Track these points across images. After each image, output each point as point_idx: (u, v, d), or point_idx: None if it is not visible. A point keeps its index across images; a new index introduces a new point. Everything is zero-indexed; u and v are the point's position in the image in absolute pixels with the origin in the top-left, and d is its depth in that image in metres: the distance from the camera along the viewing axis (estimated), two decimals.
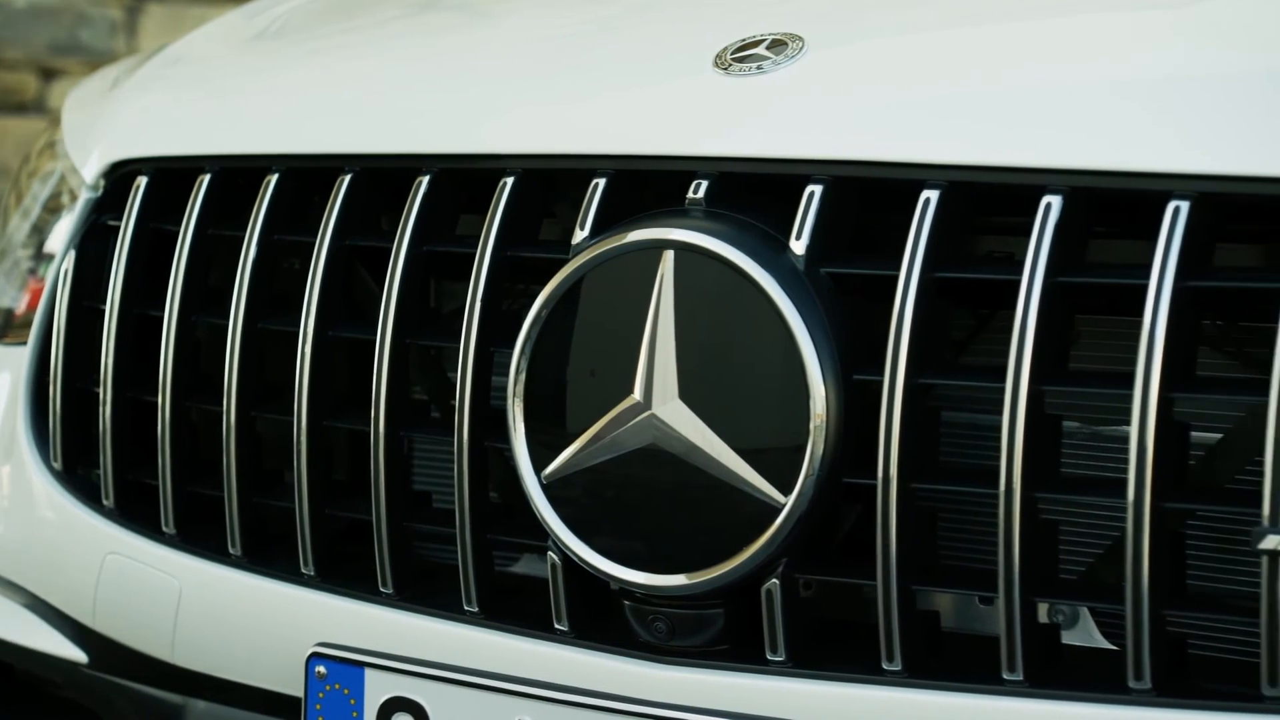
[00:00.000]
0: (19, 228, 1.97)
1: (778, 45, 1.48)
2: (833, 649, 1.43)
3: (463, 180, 1.60)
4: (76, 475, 1.80)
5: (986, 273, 1.40)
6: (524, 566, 1.65)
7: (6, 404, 1.83)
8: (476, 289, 1.51)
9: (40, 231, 1.92)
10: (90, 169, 1.84)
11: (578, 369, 1.46)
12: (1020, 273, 1.33)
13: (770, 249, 1.40)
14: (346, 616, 1.59)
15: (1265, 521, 1.25)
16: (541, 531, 1.47)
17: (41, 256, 1.90)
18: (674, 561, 1.42)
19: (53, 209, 1.91)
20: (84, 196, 1.83)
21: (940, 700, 1.36)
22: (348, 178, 1.62)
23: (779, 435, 1.38)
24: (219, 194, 1.71)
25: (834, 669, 1.40)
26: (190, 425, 1.71)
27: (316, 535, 1.62)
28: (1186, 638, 1.38)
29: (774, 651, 1.41)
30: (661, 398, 1.41)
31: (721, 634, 1.44)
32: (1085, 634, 1.45)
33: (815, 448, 1.37)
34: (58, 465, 1.80)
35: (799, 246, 1.40)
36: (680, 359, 1.40)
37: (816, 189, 1.41)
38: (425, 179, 1.58)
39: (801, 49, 1.47)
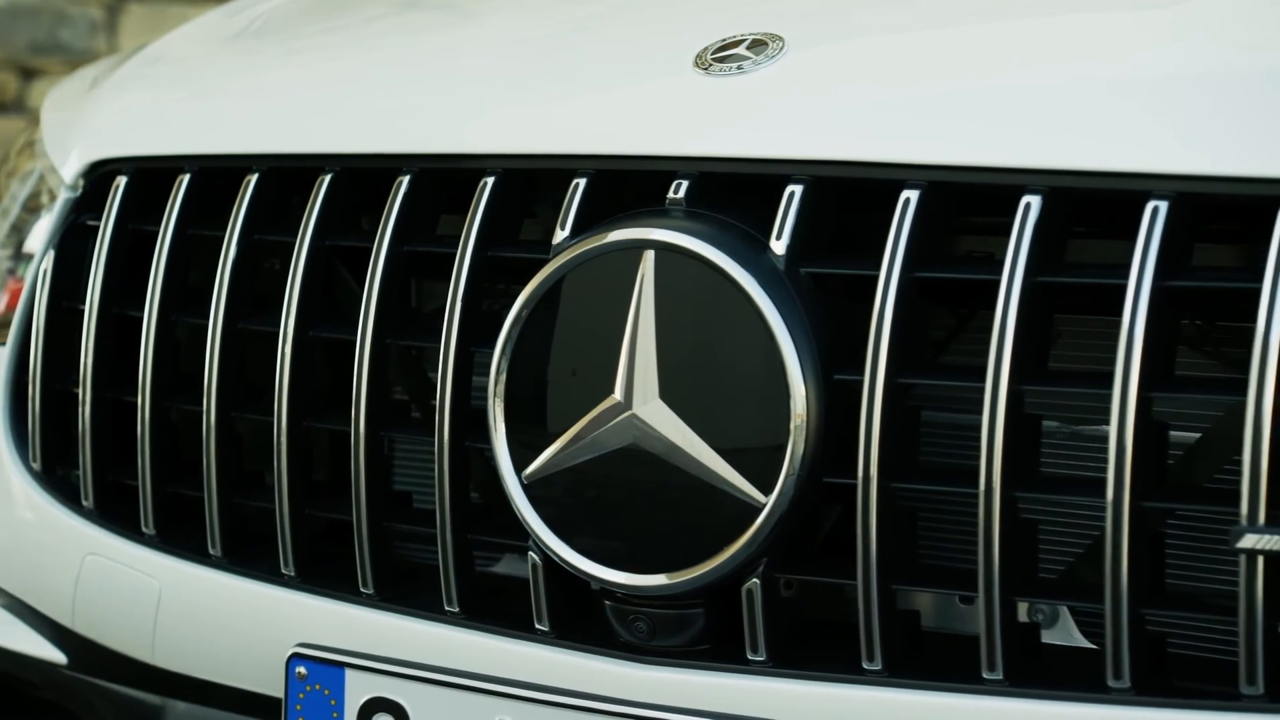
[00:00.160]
0: None
1: (758, 45, 1.48)
2: (813, 649, 1.43)
3: (443, 180, 1.60)
4: (56, 476, 1.80)
5: (966, 273, 1.40)
6: (505, 567, 1.65)
7: None
8: (457, 289, 1.51)
9: (19, 231, 1.91)
10: (69, 169, 1.83)
11: (558, 369, 1.46)
12: (1000, 272, 1.34)
13: (750, 249, 1.40)
14: (327, 617, 1.59)
15: (1243, 520, 1.26)
16: (522, 531, 1.47)
17: (20, 256, 1.89)
18: (655, 561, 1.42)
19: (32, 209, 1.91)
20: (63, 196, 1.83)
21: (920, 700, 1.36)
22: (328, 178, 1.62)
23: (759, 435, 1.38)
24: (199, 194, 1.71)
25: (814, 669, 1.40)
26: (170, 426, 1.71)
27: (297, 536, 1.61)
28: (1166, 637, 1.38)
29: (755, 651, 1.41)
30: (642, 398, 1.41)
31: (702, 634, 1.44)
32: (1065, 633, 1.45)
33: (796, 447, 1.37)
34: (37, 466, 1.79)
35: (779, 246, 1.40)
36: (661, 359, 1.40)
37: (797, 189, 1.41)
38: (405, 179, 1.58)
39: (782, 49, 1.48)
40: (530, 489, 1.46)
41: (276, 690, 1.57)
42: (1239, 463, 1.26)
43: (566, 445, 1.44)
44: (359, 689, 1.52)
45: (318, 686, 1.54)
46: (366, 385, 1.55)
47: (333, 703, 1.53)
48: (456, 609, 1.53)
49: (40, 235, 1.85)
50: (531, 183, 1.57)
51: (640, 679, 1.44)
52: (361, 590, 1.58)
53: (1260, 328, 1.26)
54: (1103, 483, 1.30)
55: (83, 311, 1.74)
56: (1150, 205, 1.31)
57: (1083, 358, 1.45)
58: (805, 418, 1.37)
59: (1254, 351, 1.26)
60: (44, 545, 1.78)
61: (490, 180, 1.53)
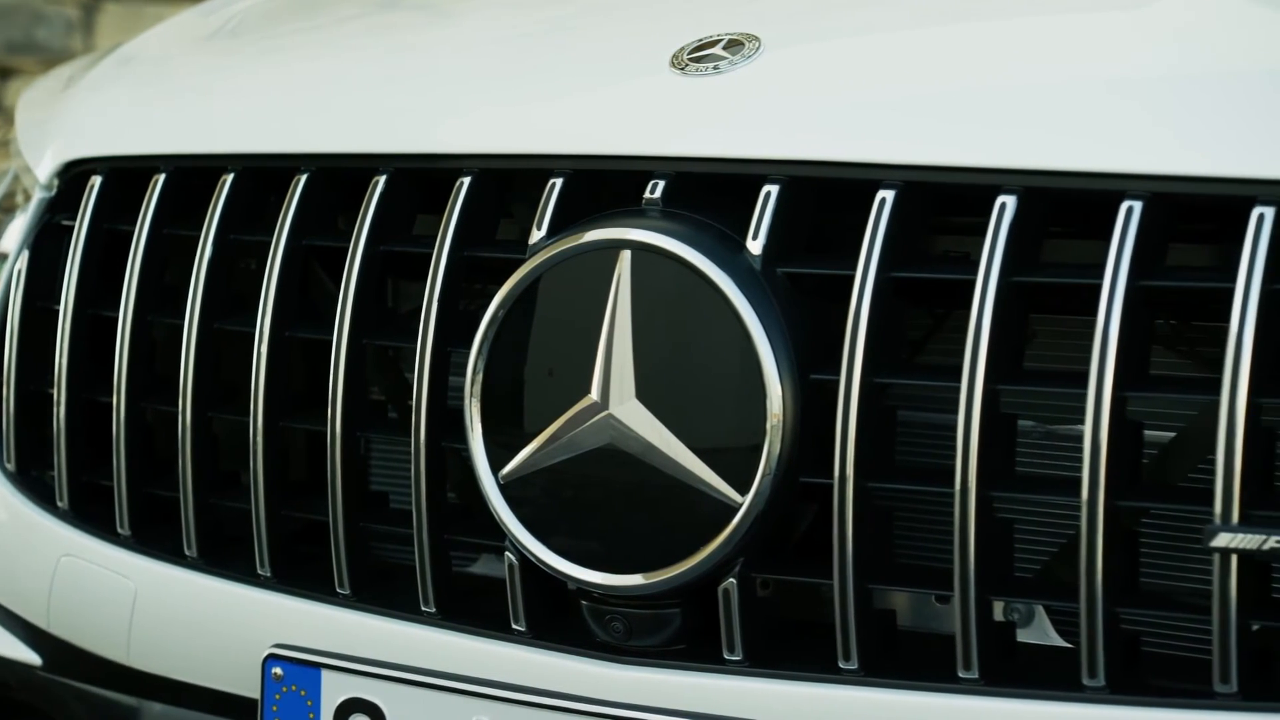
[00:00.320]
0: None
1: (734, 45, 1.49)
2: (790, 648, 1.43)
3: (420, 180, 1.59)
4: (30, 477, 1.79)
5: (942, 272, 1.40)
6: (482, 567, 1.65)
7: None
8: (433, 289, 1.51)
9: None
10: (44, 168, 1.83)
11: (535, 369, 1.45)
12: (975, 272, 1.34)
13: (727, 249, 1.40)
14: (303, 617, 1.59)
15: (1217, 519, 1.26)
16: (499, 532, 1.47)
17: None
18: (631, 561, 1.42)
19: (6, 208, 1.90)
20: (38, 196, 1.82)
21: (896, 699, 1.36)
22: (304, 177, 1.62)
23: (736, 435, 1.38)
24: (174, 194, 1.71)
25: (791, 668, 1.40)
26: (145, 426, 1.71)
27: (273, 536, 1.61)
28: (1140, 635, 1.39)
29: (731, 651, 1.41)
30: (619, 397, 1.41)
31: (679, 634, 1.44)
32: (1040, 632, 1.45)
33: (772, 447, 1.37)
34: (11, 466, 1.78)
35: (755, 246, 1.40)
36: (637, 359, 1.40)
37: (773, 189, 1.41)
38: (382, 179, 1.57)
39: (758, 49, 1.48)
40: (507, 489, 1.46)
41: (253, 691, 1.57)
42: (1213, 462, 1.27)
43: (543, 445, 1.44)
44: (335, 689, 1.52)
45: (294, 687, 1.54)
46: (343, 385, 1.55)
47: (309, 703, 1.53)
48: (433, 609, 1.53)
49: (15, 235, 1.84)
50: (508, 183, 1.57)
51: (617, 679, 1.44)
52: (338, 591, 1.58)
53: (1234, 327, 1.26)
54: (1078, 482, 1.30)
55: (57, 311, 1.73)
56: (1125, 205, 1.31)
57: (1058, 357, 1.45)
58: (781, 418, 1.37)
59: (1227, 351, 1.26)
60: (19, 546, 1.77)
61: (467, 180, 1.53)
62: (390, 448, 1.73)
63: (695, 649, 1.44)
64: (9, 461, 1.78)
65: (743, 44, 1.49)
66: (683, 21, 1.56)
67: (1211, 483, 1.27)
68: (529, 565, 1.47)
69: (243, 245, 1.67)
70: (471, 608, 1.54)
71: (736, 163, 1.44)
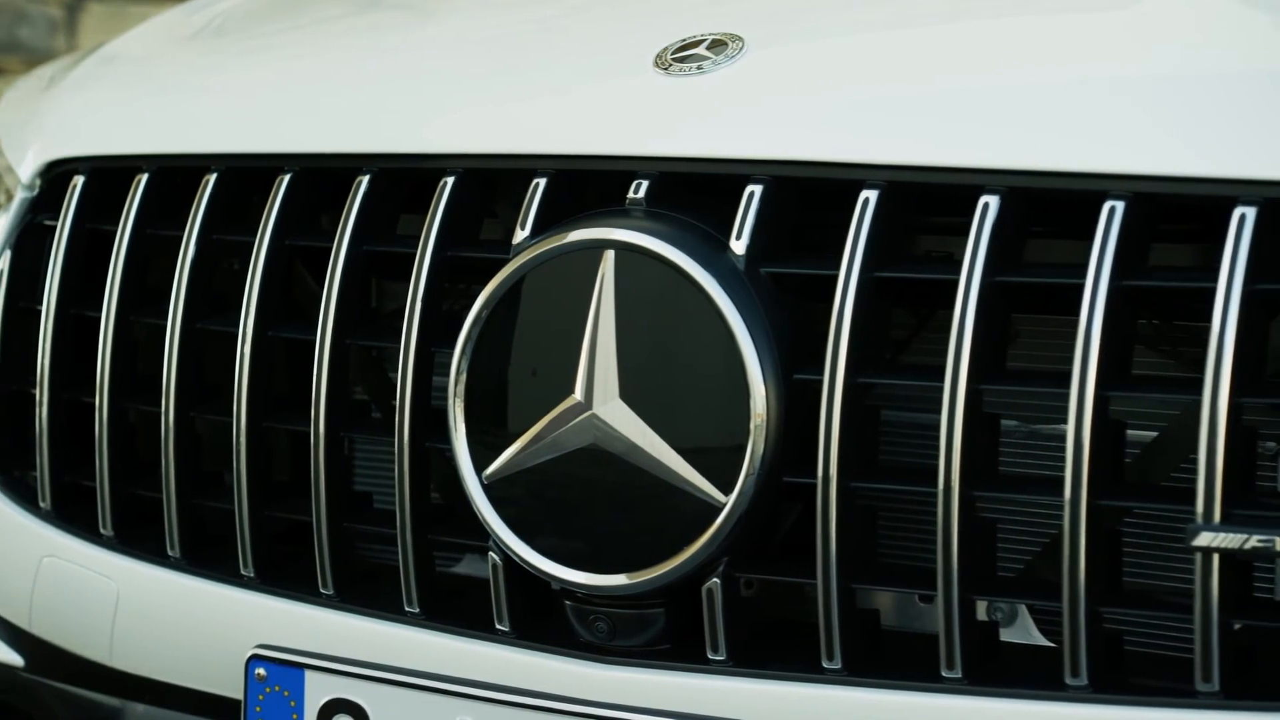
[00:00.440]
0: None
1: (718, 45, 1.49)
2: (773, 648, 1.44)
3: (403, 180, 1.59)
4: (13, 477, 1.79)
5: (925, 272, 1.40)
6: (466, 567, 1.65)
7: None
8: (417, 289, 1.51)
9: None
10: (26, 168, 1.82)
11: (519, 369, 1.45)
12: (959, 272, 1.34)
13: (710, 249, 1.41)
14: (287, 618, 1.58)
15: (1199, 519, 1.27)
16: (483, 532, 1.47)
17: None
18: (615, 561, 1.42)
19: None
20: (20, 196, 1.82)
21: (880, 698, 1.36)
22: (287, 177, 1.62)
23: (719, 435, 1.38)
24: (157, 194, 1.70)
25: (775, 668, 1.40)
26: (128, 426, 1.70)
27: (256, 536, 1.61)
28: (1123, 634, 1.39)
29: (715, 651, 1.41)
30: (602, 397, 1.41)
31: (663, 633, 1.44)
32: (1023, 631, 1.46)
33: (756, 447, 1.37)
34: None
35: (739, 246, 1.40)
36: (621, 359, 1.40)
37: (756, 189, 1.41)
38: (365, 178, 1.57)
39: (741, 49, 1.48)
40: (490, 489, 1.46)
41: (236, 692, 1.56)
42: (1195, 461, 1.27)
43: (527, 445, 1.44)
44: (319, 690, 1.52)
45: (277, 688, 1.53)
46: (326, 385, 1.55)
47: (292, 704, 1.53)
48: (417, 609, 1.53)
49: None
50: (492, 183, 1.57)
51: (601, 679, 1.44)
52: (321, 591, 1.57)
53: (1215, 327, 1.27)
54: (1060, 481, 1.30)
55: (40, 312, 1.72)
56: (1107, 205, 1.31)
57: (1041, 357, 1.46)
58: (765, 417, 1.37)
59: (1209, 351, 1.27)
60: (1, 547, 1.77)
61: (450, 180, 1.53)
62: (374, 448, 1.73)
63: (679, 649, 1.44)
64: None
65: (726, 44, 1.49)
66: (666, 21, 1.56)
67: (1193, 482, 1.27)
68: (513, 565, 1.47)
69: (226, 245, 1.67)
70: (455, 608, 1.54)
71: (720, 162, 1.44)
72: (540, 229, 1.47)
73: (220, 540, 1.65)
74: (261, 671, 1.54)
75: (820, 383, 1.36)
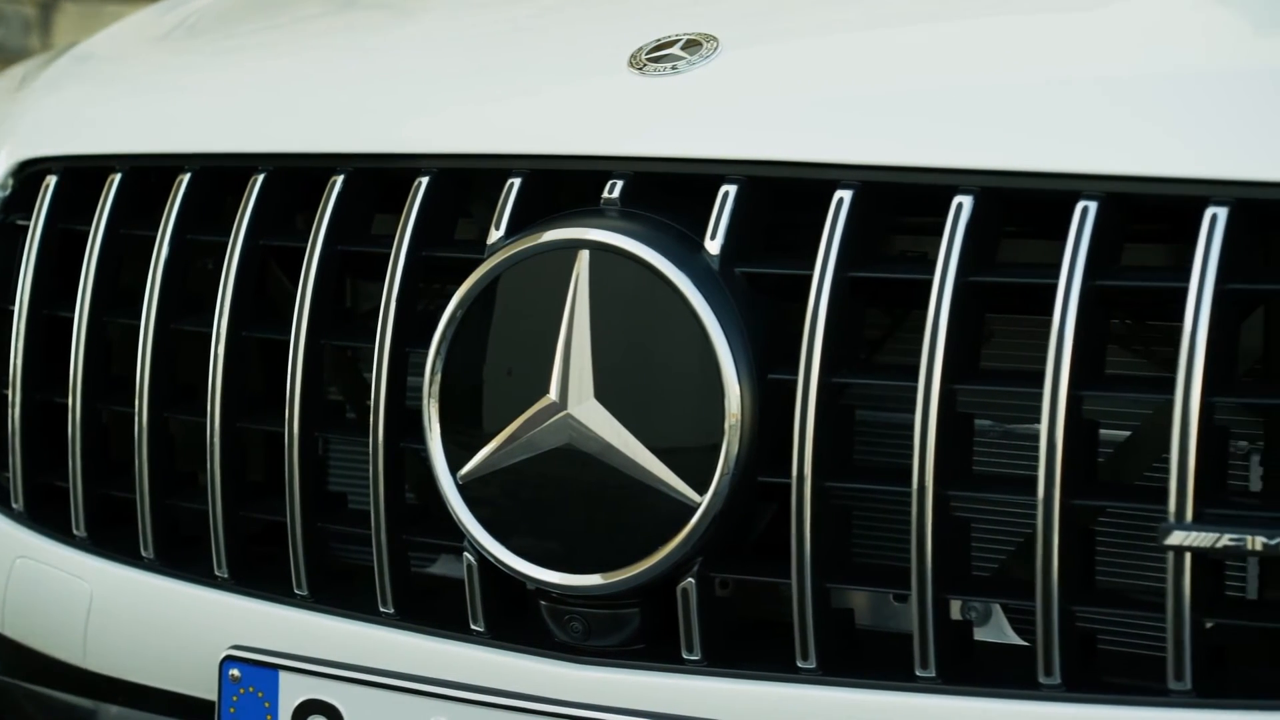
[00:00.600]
0: None
1: (692, 45, 1.49)
2: (748, 647, 1.44)
3: (378, 179, 1.59)
4: None
5: (899, 272, 1.41)
6: (441, 567, 1.65)
7: None
8: (391, 289, 1.50)
9: None
10: None
11: (493, 369, 1.45)
12: (933, 272, 1.34)
13: (685, 249, 1.41)
14: (261, 619, 1.58)
15: (1171, 518, 1.27)
16: (457, 532, 1.47)
17: None
18: (590, 561, 1.42)
19: None
20: None
21: (854, 697, 1.37)
22: (261, 177, 1.61)
23: (694, 435, 1.38)
24: (130, 193, 1.70)
25: (749, 667, 1.41)
26: (101, 427, 1.70)
27: (230, 537, 1.60)
28: (1096, 633, 1.40)
29: (690, 650, 1.41)
30: (577, 397, 1.41)
31: (638, 633, 1.44)
32: (997, 630, 1.46)
33: (730, 447, 1.37)
34: None
35: (714, 246, 1.41)
36: (596, 359, 1.40)
37: (731, 189, 1.41)
38: (340, 178, 1.57)
39: (716, 49, 1.48)
40: (465, 489, 1.46)
41: (210, 693, 1.56)
42: (1167, 460, 1.28)
43: (501, 445, 1.44)
44: (293, 691, 1.51)
45: (251, 689, 1.53)
46: (300, 386, 1.54)
47: (266, 705, 1.52)
48: (391, 610, 1.52)
49: None
50: (467, 182, 1.57)
51: (575, 679, 1.44)
52: (296, 592, 1.57)
53: (1187, 327, 1.27)
54: (1034, 480, 1.31)
55: (12, 312, 1.72)
56: (1080, 205, 1.32)
57: (1015, 357, 1.46)
58: (740, 417, 1.37)
59: (1181, 350, 1.27)
60: None
61: (425, 180, 1.53)
62: (349, 448, 1.73)
63: (654, 649, 1.44)
64: None
65: (701, 44, 1.49)
66: (641, 22, 1.56)
67: (1166, 481, 1.27)
68: (487, 565, 1.47)
69: (200, 245, 1.67)
70: (430, 608, 1.53)
71: (694, 163, 1.44)
72: (515, 229, 1.47)
73: (194, 541, 1.65)
74: (235, 672, 1.53)
75: (795, 383, 1.36)
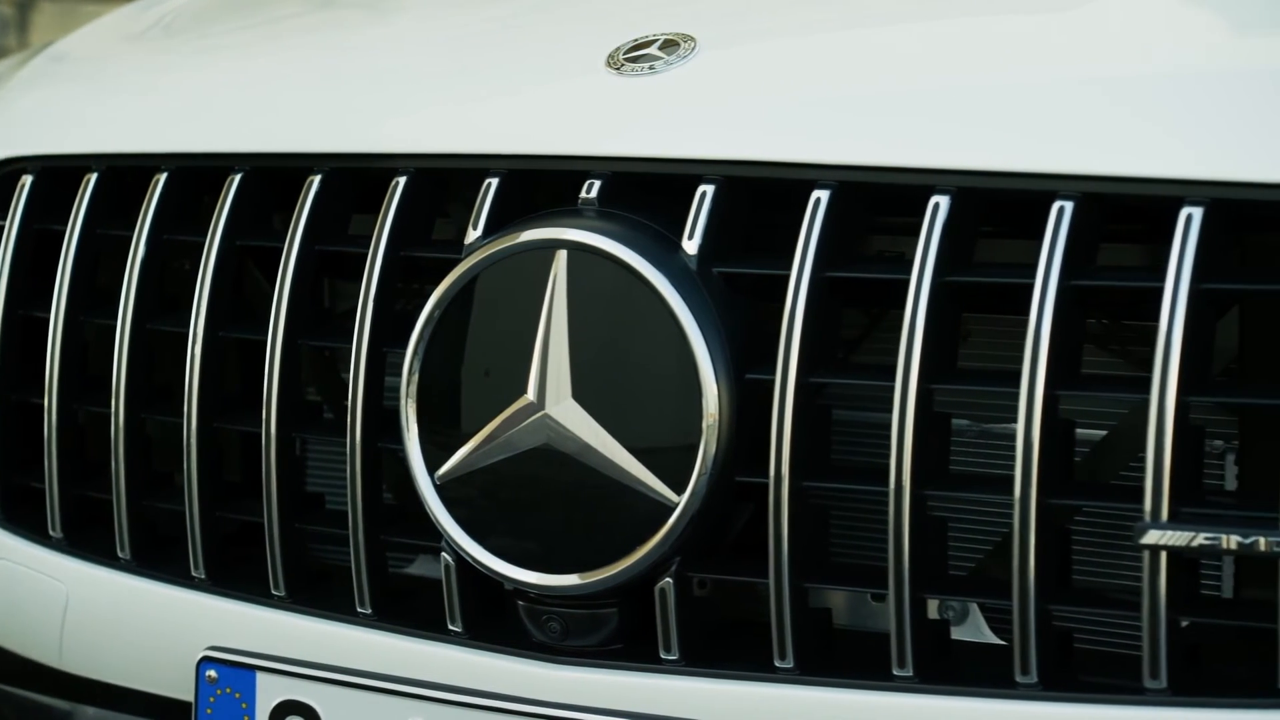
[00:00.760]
0: None
1: (670, 45, 1.49)
2: (726, 647, 1.44)
3: (355, 179, 1.59)
4: None
5: (877, 272, 1.41)
6: (419, 568, 1.65)
7: None
8: (368, 289, 1.50)
9: None
10: None
11: (471, 369, 1.45)
12: (910, 272, 1.35)
13: (663, 249, 1.41)
14: (238, 619, 1.58)
15: (1147, 517, 1.27)
16: (435, 532, 1.47)
17: None
18: (567, 561, 1.42)
19: None
20: None
21: (832, 697, 1.37)
22: (238, 177, 1.61)
23: (672, 434, 1.38)
24: (107, 193, 1.69)
25: (727, 667, 1.41)
26: (77, 427, 1.69)
27: (207, 538, 1.60)
28: (1072, 632, 1.40)
29: (668, 650, 1.42)
30: (555, 397, 1.41)
31: (615, 633, 1.45)
32: (975, 629, 1.46)
33: (708, 447, 1.37)
34: None
35: (691, 246, 1.41)
36: (573, 359, 1.40)
37: (708, 189, 1.41)
38: (316, 178, 1.57)
39: (694, 49, 1.48)
40: (443, 490, 1.45)
41: (187, 694, 1.56)
42: (1143, 460, 1.28)
43: (479, 446, 1.44)
44: (270, 692, 1.51)
45: (228, 690, 1.53)
46: (277, 386, 1.54)
47: (244, 705, 1.52)
48: (369, 610, 1.52)
49: None
50: (444, 182, 1.56)
51: (553, 679, 1.44)
52: (273, 592, 1.57)
53: (1163, 326, 1.27)
54: (1010, 480, 1.31)
55: None
56: (1056, 205, 1.32)
57: (992, 356, 1.46)
58: (717, 417, 1.37)
59: (1157, 350, 1.28)
60: None
61: (402, 180, 1.52)
62: (326, 448, 1.73)
63: (632, 649, 1.44)
64: None
65: (678, 44, 1.49)
66: (619, 22, 1.56)
67: (1141, 480, 1.28)
68: (465, 566, 1.46)
69: (176, 245, 1.66)
70: (407, 608, 1.53)
71: (672, 162, 1.44)
72: (492, 229, 1.46)
73: (171, 542, 1.65)
74: (212, 673, 1.53)
75: (772, 382, 1.36)
